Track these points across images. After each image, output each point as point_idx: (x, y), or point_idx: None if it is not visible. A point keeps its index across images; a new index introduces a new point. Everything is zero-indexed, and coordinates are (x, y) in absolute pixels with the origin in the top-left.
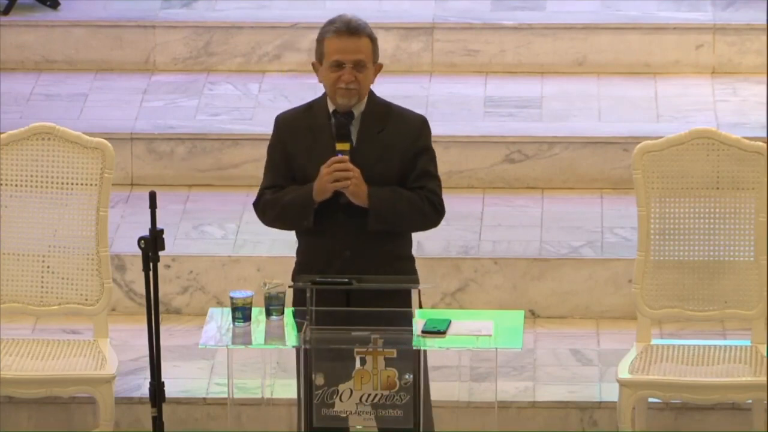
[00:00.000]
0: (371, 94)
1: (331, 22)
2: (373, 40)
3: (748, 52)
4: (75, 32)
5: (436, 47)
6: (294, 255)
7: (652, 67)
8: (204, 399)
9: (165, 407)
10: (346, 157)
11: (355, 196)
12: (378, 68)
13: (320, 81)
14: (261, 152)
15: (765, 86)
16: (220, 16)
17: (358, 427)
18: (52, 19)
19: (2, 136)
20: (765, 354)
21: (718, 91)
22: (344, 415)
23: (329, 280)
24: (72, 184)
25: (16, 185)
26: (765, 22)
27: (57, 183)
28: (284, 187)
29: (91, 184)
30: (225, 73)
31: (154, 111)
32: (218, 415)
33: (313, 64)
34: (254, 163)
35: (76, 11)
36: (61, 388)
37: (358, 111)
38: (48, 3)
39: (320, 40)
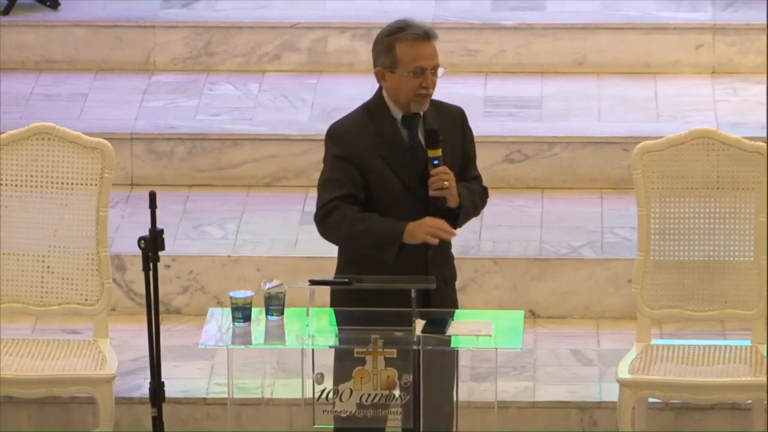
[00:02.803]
0: None
1: (400, 28)
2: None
3: (748, 52)
4: (75, 32)
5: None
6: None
7: (652, 67)
8: (204, 399)
9: (165, 407)
10: (447, 169)
11: (453, 199)
12: None
13: (389, 87)
14: (261, 152)
15: (765, 86)
16: (220, 16)
17: None
18: (52, 19)
19: (2, 136)
20: (765, 354)
21: (718, 91)
22: (344, 415)
23: (329, 280)
24: (72, 184)
25: (16, 185)
26: (765, 22)
27: (57, 183)
28: (356, 196)
29: (91, 184)
30: (225, 73)
31: (154, 111)
32: (218, 415)
33: (377, 72)
34: (254, 163)
35: (76, 11)
36: (61, 388)
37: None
38: (48, 3)
39: (390, 47)
